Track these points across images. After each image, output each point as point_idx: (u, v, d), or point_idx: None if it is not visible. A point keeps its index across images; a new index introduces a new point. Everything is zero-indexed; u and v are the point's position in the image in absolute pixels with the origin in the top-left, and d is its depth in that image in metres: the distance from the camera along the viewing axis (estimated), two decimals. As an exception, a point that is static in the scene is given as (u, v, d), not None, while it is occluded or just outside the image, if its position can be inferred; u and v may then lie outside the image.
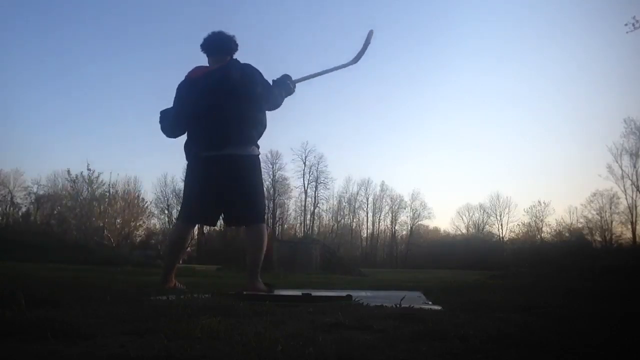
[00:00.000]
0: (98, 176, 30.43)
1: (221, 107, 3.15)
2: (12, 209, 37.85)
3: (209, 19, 47.50)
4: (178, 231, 3.40)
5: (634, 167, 37.95)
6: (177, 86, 3.35)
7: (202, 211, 3.31)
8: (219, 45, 3.32)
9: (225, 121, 3.14)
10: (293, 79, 3.49)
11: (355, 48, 3.75)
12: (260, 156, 3.35)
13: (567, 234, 43.31)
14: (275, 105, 3.36)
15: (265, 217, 3.39)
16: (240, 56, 3.38)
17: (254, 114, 3.22)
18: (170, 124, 3.31)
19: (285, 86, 3.39)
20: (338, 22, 58.14)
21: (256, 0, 55.88)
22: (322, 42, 59.04)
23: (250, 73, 3.25)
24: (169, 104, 3.36)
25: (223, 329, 1.40)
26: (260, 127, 3.29)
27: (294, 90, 3.47)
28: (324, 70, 3.76)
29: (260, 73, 3.29)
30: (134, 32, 54.41)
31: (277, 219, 46.97)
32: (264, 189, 3.57)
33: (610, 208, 41.95)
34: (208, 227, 46.84)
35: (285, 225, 47.61)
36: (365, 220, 50.63)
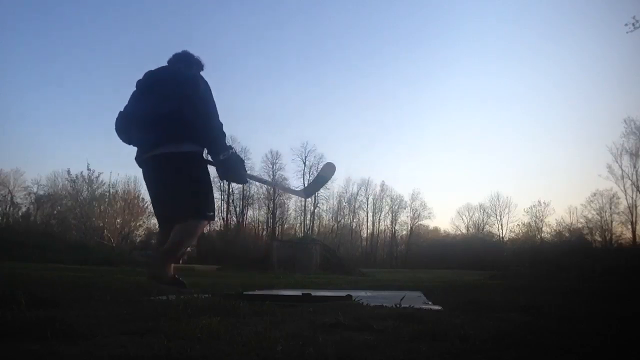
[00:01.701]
0: (98, 176, 30.45)
1: (152, 107, 3.21)
2: (12, 209, 37.78)
3: (207, 21, 47.48)
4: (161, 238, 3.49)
5: (634, 167, 37.89)
6: None
7: (157, 210, 3.46)
8: (174, 59, 3.45)
9: (155, 121, 3.18)
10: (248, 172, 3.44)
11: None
12: (197, 152, 3.21)
13: (567, 234, 43.25)
14: (208, 126, 3.19)
15: (204, 213, 3.25)
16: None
17: (184, 112, 3.15)
18: (119, 126, 3.38)
19: (233, 159, 3.22)
20: (338, 21, 58.15)
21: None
22: (324, 41, 59.09)
23: (190, 77, 3.27)
24: None
25: (223, 329, 1.40)
26: (192, 126, 3.16)
27: (242, 178, 3.36)
28: (277, 184, 3.79)
29: (203, 83, 3.25)
30: (134, 31, 54.40)
31: (277, 219, 46.95)
32: (204, 184, 3.27)
33: (610, 208, 41.92)
34: (208, 227, 46.93)
35: (285, 225, 47.54)
36: (365, 220, 50.56)
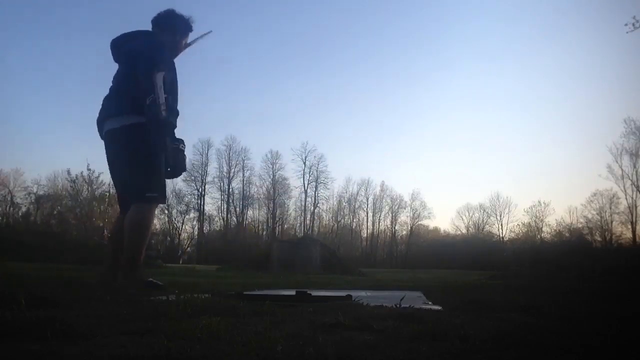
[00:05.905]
0: (98, 176, 30.45)
1: (115, 78, 3.06)
2: (12, 209, 37.79)
3: (207, 20, 47.37)
4: (117, 221, 3.16)
5: (634, 167, 37.96)
6: None
7: (119, 197, 3.19)
8: (154, 20, 3.21)
9: (111, 92, 3.04)
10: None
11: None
12: (139, 124, 2.88)
13: (567, 234, 43.28)
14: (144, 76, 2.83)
15: (152, 194, 2.94)
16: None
17: (132, 78, 2.90)
18: None
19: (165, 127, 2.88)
20: (338, 21, 58.18)
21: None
22: (324, 41, 59.11)
23: (144, 34, 3.07)
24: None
25: (223, 329, 1.40)
26: (136, 90, 2.87)
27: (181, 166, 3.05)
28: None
29: (153, 37, 3.04)
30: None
31: (277, 219, 46.96)
32: (150, 160, 2.90)
33: (610, 208, 41.95)
34: (208, 227, 46.90)
35: (285, 225, 47.58)
36: (365, 220, 50.57)
